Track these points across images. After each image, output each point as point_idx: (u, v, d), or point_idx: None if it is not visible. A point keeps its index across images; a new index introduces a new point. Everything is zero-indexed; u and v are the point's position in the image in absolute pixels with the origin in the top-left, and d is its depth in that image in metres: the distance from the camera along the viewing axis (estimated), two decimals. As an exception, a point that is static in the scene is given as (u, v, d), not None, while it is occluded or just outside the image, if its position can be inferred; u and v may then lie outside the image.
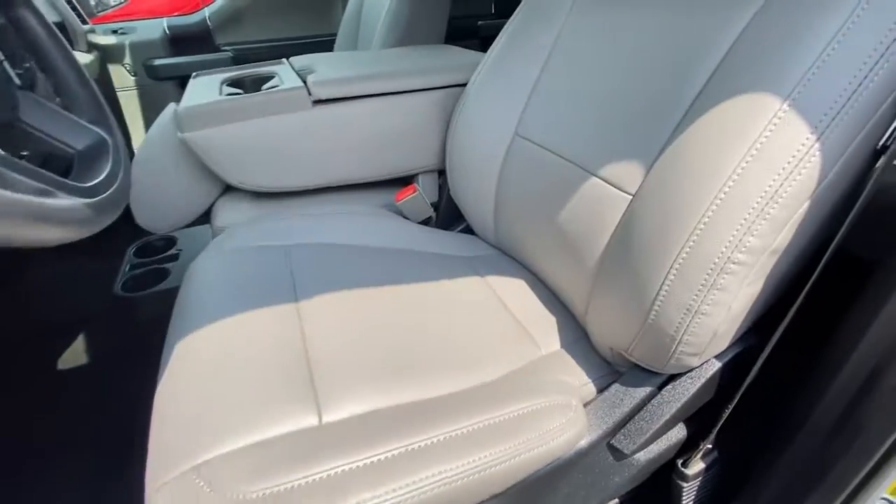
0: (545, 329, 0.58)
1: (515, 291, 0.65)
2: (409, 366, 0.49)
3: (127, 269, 0.96)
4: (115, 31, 1.49)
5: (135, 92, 1.54)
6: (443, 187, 0.96)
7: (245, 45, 1.62)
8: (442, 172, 0.95)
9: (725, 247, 0.38)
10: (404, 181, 0.93)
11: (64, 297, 1.02)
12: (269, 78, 0.90)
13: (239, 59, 1.60)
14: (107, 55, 1.47)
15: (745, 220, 0.37)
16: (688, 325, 0.41)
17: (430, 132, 0.87)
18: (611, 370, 0.53)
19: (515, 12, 0.74)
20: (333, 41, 1.56)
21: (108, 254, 0.97)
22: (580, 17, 0.63)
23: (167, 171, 0.79)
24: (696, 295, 0.40)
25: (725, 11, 0.44)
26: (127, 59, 1.49)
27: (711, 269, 0.39)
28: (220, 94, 0.77)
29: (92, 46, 1.42)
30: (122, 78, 1.51)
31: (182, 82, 1.60)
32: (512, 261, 0.72)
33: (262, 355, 0.48)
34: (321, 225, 0.74)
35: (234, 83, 0.87)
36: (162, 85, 1.55)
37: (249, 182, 0.79)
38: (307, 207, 0.85)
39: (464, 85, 0.82)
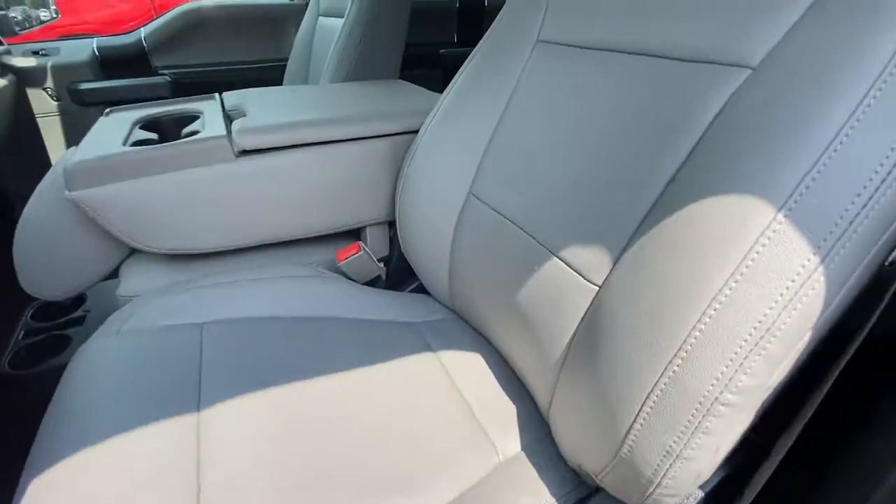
0: (504, 425, 0.50)
1: (471, 370, 0.56)
2: (328, 491, 0.40)
3: (21, 336, 0.82)
4: (35, 53, 1.34)
5: (58, 118, 1.39)
6: (393, 240, 0.88)
7: (185, 68, 1.50)
8: (392, 224, 0.86)
9: (712, 385, 0.30)
10: (348, 233, 0.84)
11: None
12: (192, 118, 0.79)
13: (178, 84, 1.48)
14: (26, 78, 1.32)
15: (735, 354, 0.30)
16: (667, 470, 0.33)
17: (377, 183, 0.78)
18: (579, 483, 0.45)
19: (474, 51, 0.67)
20: (284, 67, 1.46)
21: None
22: (543, 63, 0.56)
23: (60, 231, 0.67)
24: (678, 438, 0.32)
25: (712, 77, 0.38)
26: (49, 83, 1.35)
27: (696, 411, 0.31)
28: (127, 141, 0.66)
29: (6, 69, 1.27)
30: (44, 103, 1.36)
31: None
32: (469, 328, 0.64)
33: (144, 487, 0.39)
34: (244, 293, 0.64)
35: (150, 124, 0.76)
36: (88, 111, 1.41)
37: (158, 245, 0.68)
38: (231, 269, 0.74)
39: (415, 132, 0.74)
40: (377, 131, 0.75)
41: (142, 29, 1.45)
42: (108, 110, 0.82)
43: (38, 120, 1.37)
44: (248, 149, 0.67)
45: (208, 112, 0.78)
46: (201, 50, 1.52)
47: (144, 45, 1.44)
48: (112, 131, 0.69)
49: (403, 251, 0.74)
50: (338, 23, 1.16)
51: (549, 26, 0.57)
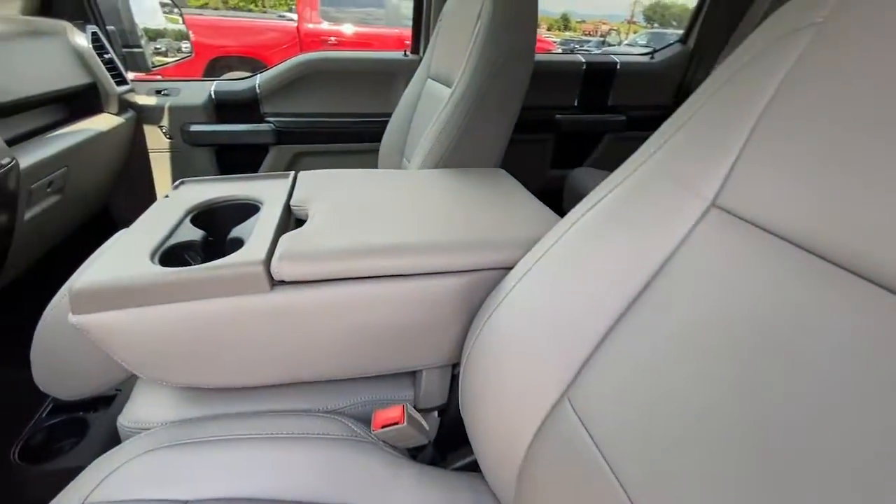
0: None
1: None
2: None
3: (45, 414, 0.75)
4: (158, 92, 1.40)
5: (168, 155, 1.43)
6: (454, 387, 0.67)
7: (290, 117, 1.48)
8: (455, 366, 0.66)
9: None
10: (391, 378, 0.66)
11: None
12: (251, 208, 0.67)
13: (280, 132, 1.45)
14: (145, 115, 1.37)
15: None
16: None
17: (446, 325, 0.59)
18: None
19: (608, 182, 0.46)
20: (386, 123, 1.36)
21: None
22: (720, 240, 0.34)
23: (73, 340, 0.57)
24: None
25: None
26: (164, 122, 1.39)
27: None
28: (158, 251, 0.54)
29: (128, 106, 1.32)
30: (157, 140, 1.41)
31: (218, 150, 1.48)
32: None
33: None
34: (248, 459, 0.48)
35: (204, 215, 0.66)
36: (195, 151, 1.43)
37: (167, 379, 0.55)
38: (250, 404, 0.59)
39: (507, 269, 0.54)
40: (460, 266, 0.56)
41: (258, 76, 1.46)
42: (178, 182, 0.73)
43: (150, 155, 1.42)
44: (288, 280, 0.52)
45: (269, 203, 0.66)
46: (308, 99, 1.49)
47: (257, 91, 1.44)
48: (154, 229, 0.58)
49: (462, 415, 0.53)
50: (445, 92, 1.02)
51: (735, 188, 0.34)
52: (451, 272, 0.56)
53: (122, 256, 0.51)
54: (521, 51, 0.85)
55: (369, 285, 0.54)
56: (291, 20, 5.02)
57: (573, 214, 0.48)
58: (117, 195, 1.42)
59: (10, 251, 0.86)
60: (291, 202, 0.67)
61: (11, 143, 0.90)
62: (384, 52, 1.58)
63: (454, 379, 0.67)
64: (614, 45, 9.92)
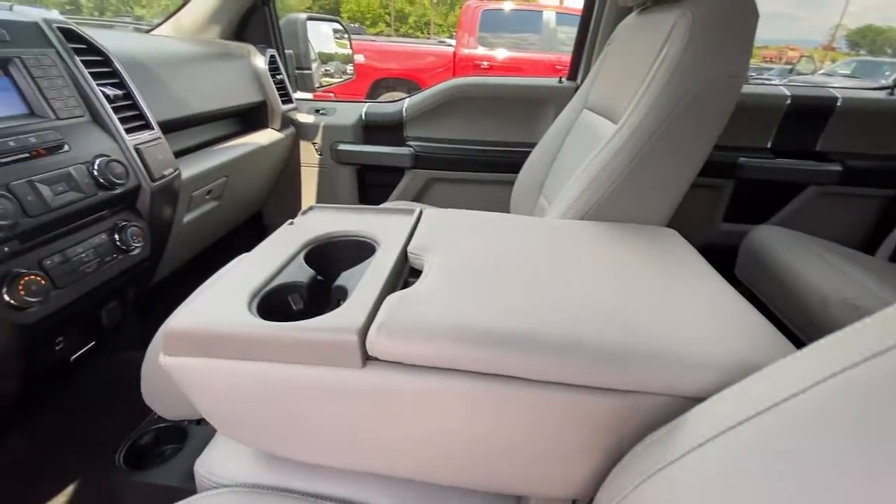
0: None
1: None
2: None
3: (155, 416, 0.77)
4: (317, 111, 1.47)
5: (316, 170, 1.50)
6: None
7: (431, 142, 1.44)
8: (576, 503, 0.49)
9: None
10: (490, 496, 0.51)
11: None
12: (365, 247, 0.60)
13: (418, 156, 1.42)
14: (302, 132, 1.46)
15: None
16: None
17: (572, 453, 0.43)
18: None
19: None
20: (527, 154, 1.23)
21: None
22: None
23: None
24: None
25: None
26: (318, 139, 1.46)
27: None
28: (260, 293, 0.48)
29: (290, 123, 1.42)
30: (309, 155, 1.48)
31: (359, 169, 1.51)
32: None
33: None
34: None
35: (321, 250, 0.60)
36: (340, 167, 1.47)
37: (240, 438, 0.48)
38: (322, 489, 0.50)
39: (686, 398, 0.37)
40: (617, 383, 0.40)
41: (407, 99, 1.46)
42: (306, 208, 0.70)
43: (301, 168, 1.51)
44: (384, 359, 0.41)
45: (386, 245, 0.57)
46: (451, 125, 1.44)
47: (403, 115, 1.43)
48: (267, 262, 0.54)
49: None
50: (606, 126, 0.85)
51: None
52: (601, 388, 0.39)
53: (222, 297, 0.46)
54: (725, 81, 0.65)
55: (482, 383, 0.40)
56: (450, 45, 5.26)
57: (836, 346, 0.28)
58: (269, 202, 1.53)
59: (167, 249, 0.93)
60: (409, 248, 0.58)
61: (182, 153, 0.99)
62: (537, 78, 1.46)
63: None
64: (806, 74, 8.43)
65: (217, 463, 0.53)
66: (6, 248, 0.57)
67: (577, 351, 0.40)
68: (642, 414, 0.40)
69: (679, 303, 0.48)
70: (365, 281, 0.49)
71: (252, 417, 0.46)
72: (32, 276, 0.58)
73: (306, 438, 0.46)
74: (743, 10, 0.65)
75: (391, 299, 0.45)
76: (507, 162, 1.40)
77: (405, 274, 0.57)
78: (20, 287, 0.57)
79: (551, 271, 0.53)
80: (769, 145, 1.37)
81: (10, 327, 0.57)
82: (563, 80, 1.45)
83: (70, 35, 0.74)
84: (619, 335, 0.42)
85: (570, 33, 5.11)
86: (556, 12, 5.13)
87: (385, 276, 0.50)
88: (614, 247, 0.61)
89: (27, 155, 0.61)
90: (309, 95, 1.60)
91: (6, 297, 0.56)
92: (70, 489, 0.80)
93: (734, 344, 0.41)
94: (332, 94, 2.01)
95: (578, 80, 1.43)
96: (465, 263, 0.53)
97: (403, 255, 0.57)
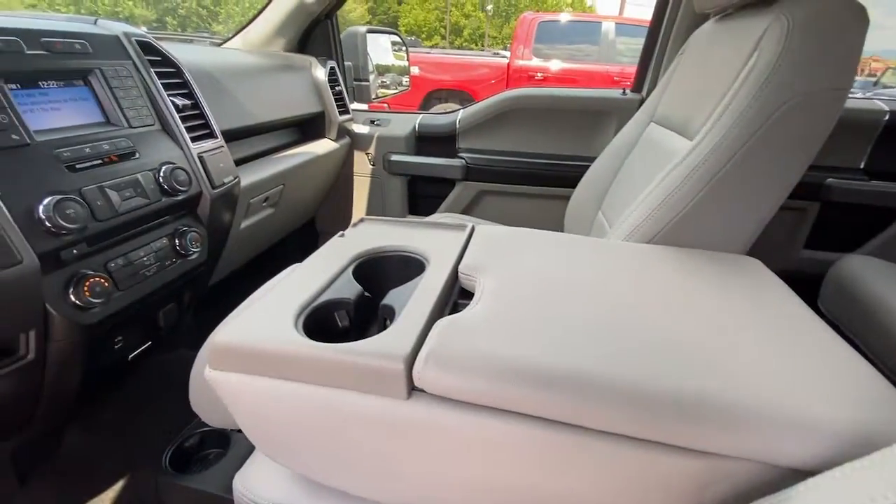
0: None
1: None
2: None
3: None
4: (372, 122, 1.49)
5: (368, 180, 1.51)
6: None
7: (483, 154, 1.41)
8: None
9: None
10: None
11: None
12: (415, 263, 0.57)
13: (469, 168, 1.40)
14: (356, 142, 1.47)
15: None
16: None
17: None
18: None
19: None
20: (585, 169, 1.17)
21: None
22: None
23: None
24: None
25: None
26: (371, 149, 1.47)
27: None
28: (307, 307, 0.47)
29: (345, 133, 1.44)
30: (362, 165, 1.50)
31: (410, 179, 1.50)
32: None
33: None
34: None
35: (366, 264, 0.58)
36: (391, 178, 1.47)
37: (279, 458, 0.47)
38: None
39: (784, 469, 0.31)
40: (697, 444, 0.34)
41: (461, 111, 1.44)
42: (358, 220, 0.69)
43: (354, 178, 1.52)
44: (431, 391, 0.38)
45: (436, 263, 0.54)
46: (505, 137, 1.40)
47: (456, 126, 1.41)
48: (316, 273, 0.52)
49: None
50: (677, 143, 0.79)
51: None
52: (679, 447, 0.34)
53: (268, 312, 0.45)
54: (827, 93, 0.58)
55: (539, 430, 0.36)
56: (504, 57, 5.24)
57: None
58: (321, 209, 1.55)
59: (224, 254, 0.96)
60: (460, 267, 0.54)
61: (243, 161, 1.01)
62: (598, 90, 1.40)
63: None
64: (892, 88, 7.72)
65: (255, 480, 0.52)
66: (74, 251, 0.59)
67: (656, 402, 0.35)
68: (727, 482, 0.34)
69: (772, 347, 0.42)
70: (414, 302, 0.46)
71: (290, 439, 0.44)
72: (97, 279, 0.60)
73: (343, 466, 0.44)
74: (851, 15, 0.57)
75: (441, 324, 0.42)
76: (562, 176, 1.34)
77: (455, 295, 0.54)
78: (85, 288, 0.59)
79: (619, 301, 0.47)
80: (862, 165, 1.23)
81: (74, 327, 0.59)
82: (627, 91, 1.37)
83: (147, 48, 0.78)
84: (698, 383, 0.36)
85: (629, 44, 4.96)
86: (616, 23, 5.00)
87: (435, 298, 0.47)
88: (690, 276, 0.55)
89: (100, 161, 0.63)
90: (364, 106, 1.62)
91: (72, 298, 0.58)
92: (118, 485, 0.83)
93: (851, 406, 0.34)
94: (385, 105, 2.03)
95: (644, 93, 1.35)
96: (521, 288, 0.49)
97: (454, 275, 0.54)
